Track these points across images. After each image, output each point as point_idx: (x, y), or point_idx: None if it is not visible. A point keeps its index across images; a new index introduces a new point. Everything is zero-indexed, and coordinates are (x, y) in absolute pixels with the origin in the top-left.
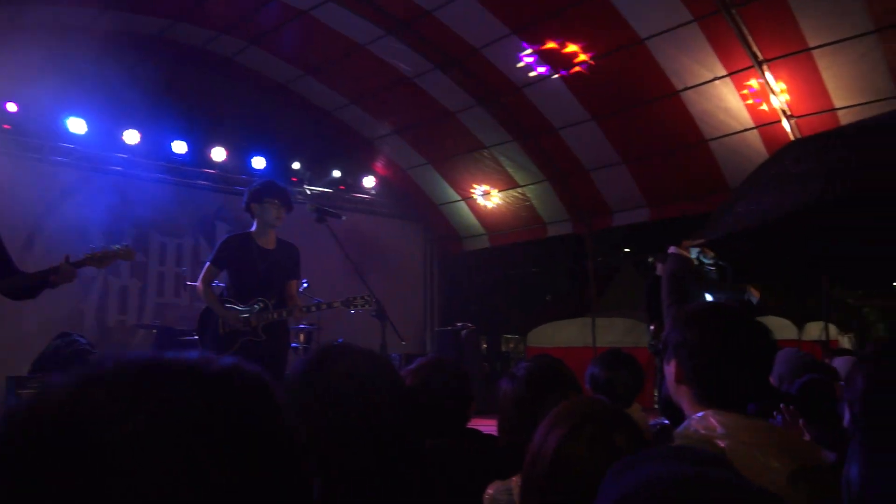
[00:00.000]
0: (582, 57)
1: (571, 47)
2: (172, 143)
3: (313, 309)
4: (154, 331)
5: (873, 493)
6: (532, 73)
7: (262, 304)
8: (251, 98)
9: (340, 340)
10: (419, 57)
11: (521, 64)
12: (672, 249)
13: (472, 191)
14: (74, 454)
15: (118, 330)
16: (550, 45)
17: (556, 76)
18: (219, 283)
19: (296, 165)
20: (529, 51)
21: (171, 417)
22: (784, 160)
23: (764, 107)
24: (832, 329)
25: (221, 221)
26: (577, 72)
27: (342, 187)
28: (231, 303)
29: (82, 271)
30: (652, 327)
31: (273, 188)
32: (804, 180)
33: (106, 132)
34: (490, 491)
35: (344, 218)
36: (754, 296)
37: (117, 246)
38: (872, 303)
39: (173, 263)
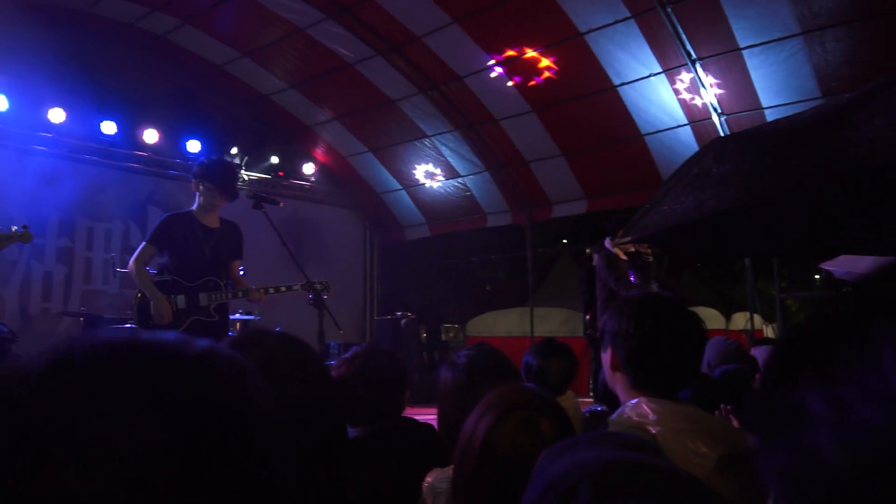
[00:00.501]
0: (545, 62)
1: (530, 53)
2: (101, 124)
3: (272, 291)
4: (81, 319)
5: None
6: (493, 75)
7: (213, 283)
8: (185, 79)
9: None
10: (360, 43)
11: (493, 74)
12: (607, 243)
13: (414, 171)
14: (47, 446)
15: (42, 318)
16: (510, 50)
17: (497, 68)
18: (150, 270)
19: (233, 150)
20: (493, 61)
21: (150, 404)
22: (705, 159)
23: (696, 103)
24: (757, 319)
25: (153, 206)
26: (527, 75)
27: (280, 173)
28: (176, 283)
29: (1, 256)
30: (587, 317)
31: (219, 179)
32: (723, 182)
33: (29, 110)
34: (429, 479)
35: (281, 205)
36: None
37: (15, 228)
38: (794, 295)
39: (101, 249)
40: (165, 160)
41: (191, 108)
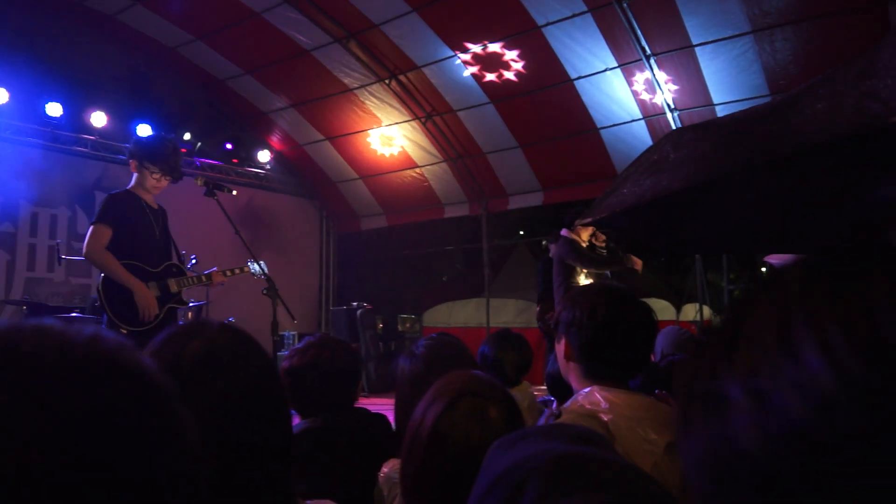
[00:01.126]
0: (510, 55)
1: (493, 47)
2: (46, 105)
3: (228, 273)
4: (24, 308)
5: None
6: (466, 73)
7: (176, 268)
8: (136, 61)
9: (231, 319)
10: (317, 29)
11: (466, 72)
12: (564, 232)
13: (371, 160)
14: None
15: None
16: (471, 44)
17: (458, 61)
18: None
19: (186, 136)
20: (458, 54)
21: (26, 392)
22: (664, 147)
23: (650, 99)
24: (706, 310)
25: (101, 191)
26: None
27: (235, 161)
28: (140, 269)
29: None
30: (538, 307)
31: (158, 155)
32: (679, 165)
33: None
34: (385, 469)
35: (234, 192)
36: (636, 266)
37: None
38: (742, 286)
39: (46, 235)
40: (114, 144)
41: (141, 92)
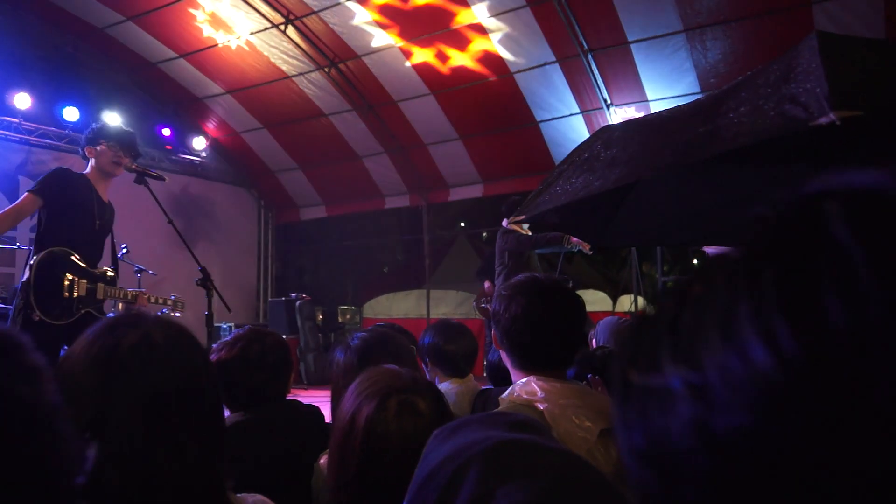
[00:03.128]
0: (451, 51)
1: (440, 46)
2: None
3: (160, 301)
4: None
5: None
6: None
7: (111, 277)
8: (62, 41)
9: (165, 311)
10: (253, 13)
11: (407, 63)
12: (505, 222)
13: (310, 150)
14: None
15: None
16: (414, 44)
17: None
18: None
19: (113, 118)
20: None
21: None
22: (595, 145)
23: (587, 94)
24: (641, 301)
25: (25, 177)
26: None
27: (168, 147)
28: (73, 261)
29: None
30: (487, 285)
31: (113, 129)
32: (610, 165)
33: None
34: (322, 461)
35: (166, 180)
36: (576, 245)
37: None
38: (675, 278)
39: None
40: (39, 127)
41: (67, 73)
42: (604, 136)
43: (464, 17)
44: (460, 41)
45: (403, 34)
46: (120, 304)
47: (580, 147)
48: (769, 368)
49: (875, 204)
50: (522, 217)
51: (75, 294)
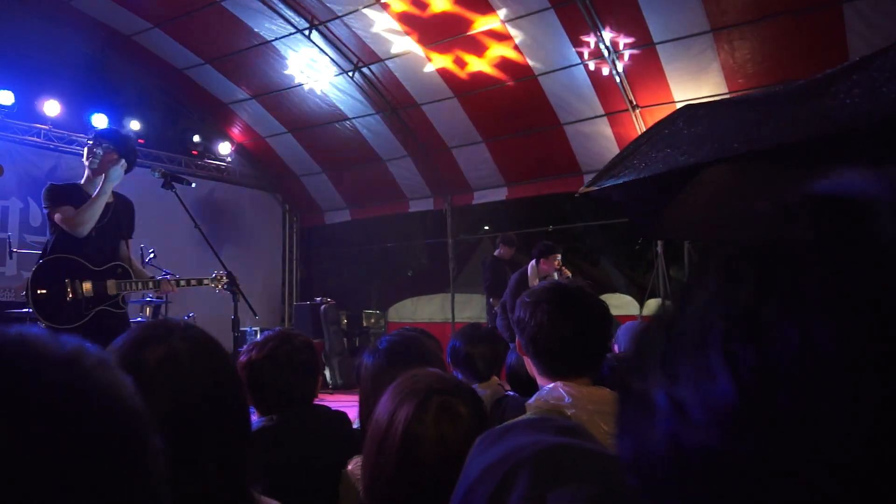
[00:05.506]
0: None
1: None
2: None
3: (182, 283)
4: None
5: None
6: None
7: (122, 269)
8: (91, 49)
9: (191, 315)
10: (278, 19)
11: (430, 67)
12: (532, 263)
13: (335, 153)
14: None
15: None
16: (435, 51)
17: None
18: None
19: (135, 125)
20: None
21: (8, 409)
22: (676, 122)
23: (612, 96)
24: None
25: (56, 183)
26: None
27: (195, 153)
28: (81, 266)
29: None
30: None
31: (108, 133)
32: (697, 141)
33: None
34: (350, 466)
35: (193, 185)
36: (564, 274)
37: None
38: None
39: None
40: (68, 134)
41: (96, 81)
42: (687, 114)
43: (483, 22)
44: (479, 46)
45: (422, 40)
46: (148, 309)
47: (659, 124)
48: (730, 393)
49: (847, 215)
50: (594, 188)
51: (81, 296)
